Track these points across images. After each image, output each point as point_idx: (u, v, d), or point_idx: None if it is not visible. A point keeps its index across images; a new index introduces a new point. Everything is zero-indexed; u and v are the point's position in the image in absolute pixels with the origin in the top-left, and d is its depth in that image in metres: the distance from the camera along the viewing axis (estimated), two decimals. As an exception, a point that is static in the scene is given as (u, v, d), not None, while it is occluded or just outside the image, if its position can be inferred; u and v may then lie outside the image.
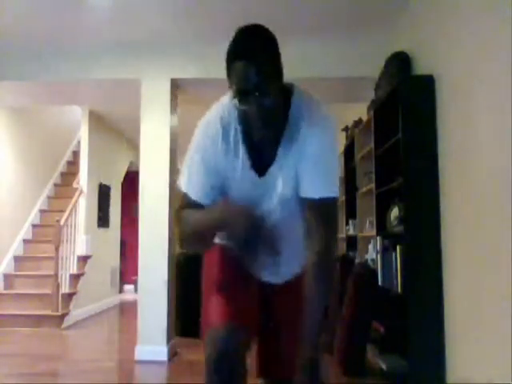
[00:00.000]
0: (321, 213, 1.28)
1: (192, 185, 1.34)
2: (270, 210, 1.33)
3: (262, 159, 1.31)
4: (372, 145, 3.76)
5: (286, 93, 1.29)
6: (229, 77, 1.23)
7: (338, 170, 1.37)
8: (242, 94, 1.19)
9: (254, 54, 1.18)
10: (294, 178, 1.29)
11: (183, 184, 1.37)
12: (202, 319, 1.39)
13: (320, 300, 1.29)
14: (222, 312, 1.30)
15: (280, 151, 1.29)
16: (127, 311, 6.78)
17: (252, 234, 1.19)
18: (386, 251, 3.37)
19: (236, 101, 1.21)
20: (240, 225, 1.18)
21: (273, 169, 1.30)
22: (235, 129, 1.31)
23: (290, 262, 1.39)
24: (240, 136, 1.30)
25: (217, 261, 1.43)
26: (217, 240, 1.42)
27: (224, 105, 1.40)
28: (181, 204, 1.37)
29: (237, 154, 1.31)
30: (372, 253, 3.85)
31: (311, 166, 1.26)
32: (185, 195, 1.35)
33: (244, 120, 1.26)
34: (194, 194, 1.33)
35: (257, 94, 1.16)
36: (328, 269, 1.30)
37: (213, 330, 1.28)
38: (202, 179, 1.33)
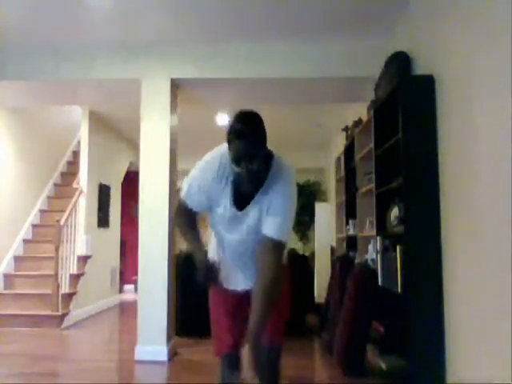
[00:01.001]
0: (269, 248, 1.73)
1: (189, 198, 1.88)
2: (240, 237, 1.82)
3: (242, 200, 1.77)
4: (372, 145, 3.76)
5: (268, 157, 1.77)
6: (229, 148, 1.68)
7: (292, 219, 1.80)
8: (237, 162, 1.64)
9: (247, 137, 1.63)
10: (260, 218, 1.76)
11: (183, 194, 1.89)
12: (213, 334, 2.04)
13: (259, 313, 1.70)
14: (227, 338, 1.95)
15: (256, 197, 1.75)
16: (127, 311, 6.77)
17: (202, 270, 1.77)
18: (386, 251, 3.37)
19: (233, 164, 1.67)
20: (198, 263, 1.80)
21: (249, 208, 1.77)
22: (227, 177, 1.77)
23: (252, 275, 1.82)
24: (230, 184, 1.77)
25: (214, 296, 2.02)
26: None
27: (223, 155, 1.76)
28: (180, 204, 1.93)
29: (225, 194, 1.78)
30: (372, 253, 3.85)
31: (273, 214, 1.73)
32: (184, 202, 1.90)
33: (235, 176, 1.72)
34: (190, 204, 1.89)
35: (247, 162, 1.63)
36: (265, 294, 1.71)
37: (223, 355, 2.01)
38: (196, 198, 1.85)
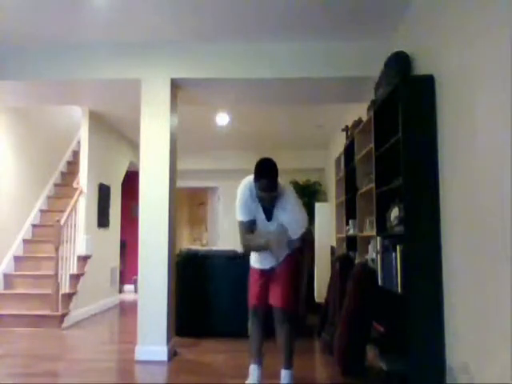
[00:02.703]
0: (302, 238, 2.90)
1: (243, 215, 2.88)
2: (273, 231, 2.86)
3: (268, 213, 2.86)
4: (372, 145, 3.76)
5: (278, 185, 2.78)
6: (256, 182, 2.74)
7: (304, 213, 2.93)
8: (263, 191, 2.72)
9: (269, 177, 2.71)
10: (281, 222, 2.84)
11: (239, 216, 2.89)
12: (249, 295, 3.05)
13: (310, 258, 3.02)
14: (253, 298, 3.01)
15: (274, 211, 2.84)
16: (127, 311, 6.78)
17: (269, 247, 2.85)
18: (386, 251, 3.37)
19: (259, 192, 2.74)
20: (269, 246, 2.83)
21: (273, 218, 2.86)
22: (255, 198, 2.83)
23: (281, 255, 2.90)
24: (258, 203, 2.84)
25: (252, 273, 3.07)
26: (252, 263, 3.07)
27: (251, 182, 2.82)
28: (240, 226, 2.91)
29: (258, 209, 2.86)
30: (372, 253, 3.85)
31: (290, 219, 2.83)
32: (242, 222, 2.89)
33: (260, 198, 2.80)
34: (244, 218, 2.87)
35: (269, 191, 2.72)
36: (311, 249, 3.14)
37: (250, 307, 3.04)
38: (244, 212, 2.87)
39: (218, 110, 6.13)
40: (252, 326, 3.04)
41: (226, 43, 4.00)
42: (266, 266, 2.97)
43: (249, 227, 2.88)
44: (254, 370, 2.97)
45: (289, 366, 2.92)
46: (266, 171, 2.72)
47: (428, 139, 2.88)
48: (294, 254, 2.93)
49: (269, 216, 2.83)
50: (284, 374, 2.90)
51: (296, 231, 2.83)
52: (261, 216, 2.85)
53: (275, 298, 2.87)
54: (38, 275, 5.60)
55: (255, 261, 3.06)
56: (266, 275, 2.98)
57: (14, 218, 5.90)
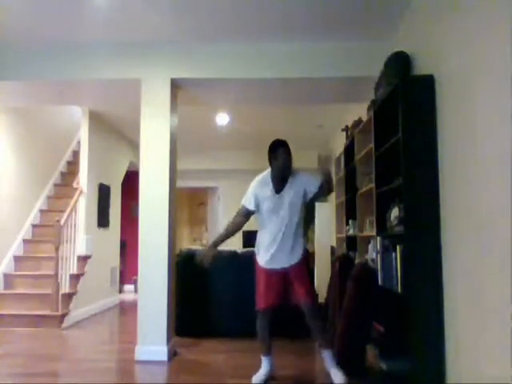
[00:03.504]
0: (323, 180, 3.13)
1: (246, 201, 3.16)
2: (283, 214, 3.08)
3: (278, 188, 3.10)
4: (372, 145, 3.76)
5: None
6: (275, 152, 3.07)
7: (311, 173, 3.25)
8: (283, 154, 3.06)
9: (284, 144, 3.09)
10: (294, 197, 3.08)
11: (244, 201, 3.16)
12: (256, 296, 3.17)
13: (332, 183, 3.20)
14: (263, 301, 3.13)
15: (286, 186, 3.10)
16: (127, 311, 6.78)
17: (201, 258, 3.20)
18: (386, 251, 3.37)
19: (280, 158, 3.06)
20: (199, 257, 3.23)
21: (284, 190, 3.09)
22: (267, 182, 3.12)
23: (292, 250, 3.12)
24: (270, 182, 3.11)
25: (259, 271, 3.21)
26: (259, 261, 3.21)
27: (264, 176, 3.16)
28: (240, 209, 3.20)
29: (268, 189, 3.10)
30: (372, 253, 3.85)
31: (305, 178, 3.14)
32: (243, 206, 3.17)
33: (273, 178, 3.11)
34: (245, 203, 3.16)
35: (286, 155, 3.06)
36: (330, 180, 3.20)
37: (259, 311, 3.16)
38: (250, 200, 3.13)
39: (217, 109, 6.13)
40: (260, 326, 3.18)
41: (226, 43, 4.00)
42: (276, 266, 3.10)
43: (244, 213, 3.17)
44: (266, 360, 3.18)
45: (328, 347, 3.16)
46: (281, 141, 3.10)
47: (428, 139, 2.88)
48: (304, 259, 3.17)
49: (278, 190, 3.08)
50: (327, 354, 3.13)
51: (313, 183, 3.10)
52: (268, 194, 3.07)
53: (303, 298, 3.07)
54: (38, 275, 5.60)
55: (263, 260, 3.16)
56: (276, 276, 3.10)
57: (14, 218, 5.90)
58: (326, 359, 3.12)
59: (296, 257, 3.12)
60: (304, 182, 3.11)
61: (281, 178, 3.08)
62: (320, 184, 3.10)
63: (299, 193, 3.08)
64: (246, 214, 3.18)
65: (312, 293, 3.17)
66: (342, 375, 3.01)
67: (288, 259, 3.10)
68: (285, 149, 3.05)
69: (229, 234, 3.22)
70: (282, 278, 3.10)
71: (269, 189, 3.09)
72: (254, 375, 3.11)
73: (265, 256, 3.15)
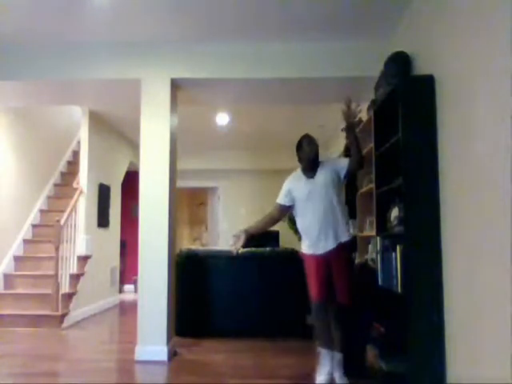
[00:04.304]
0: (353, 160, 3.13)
1: (279, 198, 3.23)
2: (320, 197, 3.07)
3: (310, 174, 3.15)
4: (372, 145, 3.76)
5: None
6: (300, 146, 3.16)
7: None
8: (307, 146, 3.12)
9: (309, 136, 3.16)
10: (327, 179, 3.09)
11: (278, 199, 3.23)
12: (309, 289, 3.12)
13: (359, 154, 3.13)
14: (316, 291, 3.07)
15: (318, 171, 3.14)
16: (127, 311, 6.78)
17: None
18: (386, 251, 3.36)
19: (305, 149, 3.13)
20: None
21: (317, 175, 3.13)
22: (300, 175, 3.19)
23: (336, 233, 3.06)
24: (301, 173, 3.20)
25: (307, 261, 3.18)
26: (304, 249, 3.21)
27: (297, 170, 3.22)
28: (274, 206, 3.26)
29: (300, 178, 3.18)
30: (372, 253, 3.85)
31: (335, 162, 3.31)
32: (277, 203, 3.24)
33: (304, 170, 3.18)
34: (279, 200, 3.23)
35: (312, 147, 3.12)
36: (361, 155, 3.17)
37: (314, 303, 3.09)
38: (282, 196, 3.21)
39: (217, 109, 6.13)
40: (317, 319, 3.09)
41: (225, 43, 4.00)
42: (320, 251, 3.07)
43: (277, 208, 3.24)
44: (327, 355, 3.08)
45: (339, 350, 3.09)
46: (304, 135, 3.19)
47: (428, 139, 2.88)
48: (346, 248, 3.13)
49: (311, 175, 3.12)
50: (336, 357, 3.07)
51: (342, 160, 3.23)
52: (303, 191, 3.10)
53: (340, 295, 3.03)
54: (38, 275, 5.60)
55: (307, 245, 3.15)
56: (323, 263, 3.05)
57: (14, 218, 5.90)
58: (334, 360, 3.08)
59: (341, 238, 3.07)
60: (333, 163, 3.19)
61: (310, 168, 3.12)
62: (349, 160, 3.13)
63: (332, 174, 3.10)
64: (280, 209, 3.23)
65: (350, 292, 3.07)
66: (344, 378, 3.01)
67: (332, 241, 3.04)
68: (307, 140, 3.12)
69: (261, 223, 3.26)
70: (327, 266, 3.05)
71: (301, 179, 3.15)
72: (318, 375, 3.07)
73: (308, 240, 3.13)
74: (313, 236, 3.09)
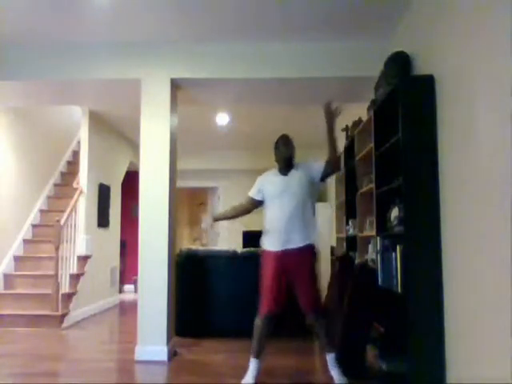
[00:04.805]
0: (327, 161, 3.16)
1: (251, 191, 3.28)
2: (292, 196, 3.05)
3: (284, 172, 3.19)
4: (372, 145, 3.76)
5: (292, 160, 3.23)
6: (276, 144, 3.23)
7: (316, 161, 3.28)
8: (283, 146, 3.19)
9: (284, 136, 3.24)
10: (301, 179, 3.11)
11: (250, 192, 3.28)
12: (263, 296, 3.05)
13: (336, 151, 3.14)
14: (268, 301, 3.03)
15: (292, 171, 3.17)
16: (127, 311, 6.78)
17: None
18: (386, 251, 3.37)
19: (280, 148, 3.20)
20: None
21: (291, 173, 3.16)
22: (275, 172, 3.23)
23: (299, 232, 3.02)
24: (278, 172, 3.22)
25: (266, 258, 3.11)
26: (264, 244, 3.16)
27: (270, 171, 3.28)
28: (246, 198, 3.30)
29: (274, 175, 3.22)
30: (372, 253, 3.85)
31: (308, 165, 3.21)
32: (248, 196, 3.28)
33: (281, 165, 3.21)
34: (251, 193, 3.27)
35: (287, 146, 3.18)
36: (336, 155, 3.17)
37: (263, 314, 3.05)
38: (254, 190, 3.26)
39: (217, 109, 6.13)
40: (261, 327, 3.05)
41: (225, 43, 4.00)
42: (281, 247, 3.02)
43: (249, 202, 3.28)
44: (255, 364, 3.07)
45: (331, 351, 3.12)
46: (281, 135, 3.26)
47: (428, 139, 2.88)
48: (311, 252, 3.08)
49: (284, 173, 3.16)
50: (330, 357, 3.11)
51: (318, 163, 3.18)
52: (275, 187, 3.13)
53: (307, 303, 3.04)
54: (38, 275, 5.60)
55: (269, 240, 3.12)
56: (282, 265, 3.01)
57: (14, 218, 5.90)
58: (329, 361, 3.11)
59: (305, 241, 3.03)
60: (308, 168, 3.17)
61: (285, 167, 3.16)
62: (324, 163, 3.13)
63: (307, 177, 3.11)
64: (251, 202, 3.26)
65: (316, 298, 3.08)
66: (342, 376, 3.01)
67: (296, 241, 3.01)
68: (283, 140, 3.18)
69: (230, 212, 3.38)
70: (285, 271, 3.00)
71: (276, 176, 3.19)
72: (243, 380, 3.03)
73: (271, 236, 3.09)
74: (277, 231, 3.04)
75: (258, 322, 3.06)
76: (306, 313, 3.08)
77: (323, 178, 3.16)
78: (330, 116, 3.07)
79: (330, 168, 3.14)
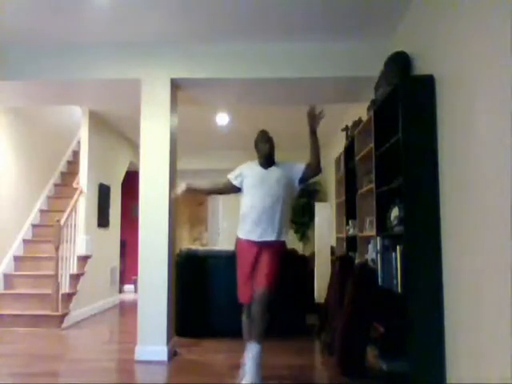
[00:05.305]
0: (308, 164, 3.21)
1: (231, 175, 3.32)
2: (270, 189, 3.12)
3: (265, 166, 3.26)
4: (372, 145, 3.76)
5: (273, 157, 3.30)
6: (257, 140, 3.29)
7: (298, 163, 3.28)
8: (263, 143, 3.24)
9: (263, 131, 3.33)
10: (281, 177, 3.17)
11: (230, 176, 3.31)
12: (238, 290, 3.16)
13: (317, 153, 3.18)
14: (242, 291, 3.13)
15: (273, 166, 3.24)
16: (127, 311, 6.78)
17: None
18: (386, 251, 3.36)
19: (260, 143, 3.26)
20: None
21: (271, 168, 3.23)
22: (256, 164, 3.29)
23: (274, 225, 3.09)
24: (259, 165, 3.28)
25: (239, 246, 3.21)
26: (239, 234, 3.22)
27: (252, 161, 3.32)
28: (225, 181, 3.34)
29: (254, 166, 3.28)
30: (372, 253, 3.85)
31: (293, 165, 3.25)
32: (228, 179, 3.31)
33: (262, 161, 3.28)
34: (230, 177, 3.31)
35: (267, 143, 3.24)
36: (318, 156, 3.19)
37: (245, 303, 3.17)
38: (234, 175, 3.30)
39: (217, 109, 6.13)
40: (246, 317, 3.20)
41: (225, 43, 4.00)
42: (255, 237, 3.09)
43: (225, 184, 3.34)
44: (253, 348, 3.01)
45: (259, 341, 3.00)
46: (259, 131, 3.32)
47: (428, 139, 2.88)
48: (282, 247, 3.17)
49: (265, 167, 3.22)
50: (253, 348, 2.99)
51: (299, 165, 3.19)
52: (255, 170, 3.21)
53: (261, 278, 3.01)
54: (38, 275, 5.60)
55: (244, 229, 3.16)
56: (254, 254, 3.07)
57: (14, 218, 5.90)
58: (250, 351, 2.99)
59: (277, 235, 3.10)
60: (289, 169, 3.21)
61: (265, 163, 3.23)
62: (305, 165, 3.17)
63: (285, 176, 3.17)
64: (228, 185, 3.32)
65: (272, 278, 3.03)
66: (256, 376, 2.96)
67: (269, 234, 3.08)
68: (262, 137, 3.24)
69: (206, 186, 3.52)
70: (255, 259, 3.07)
71: (257, 167, 3.25)
72: (243, 379, 2.96)
73: (246, 225, 3.15)
74: (253, 220, 3.10)
75: (244, 317, 3.20)
76: (256, 288, 3.01)
77: (302, 180, 3.21)
78: (313, 119, 3.12)
79: (311, 171, 3.18)
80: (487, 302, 2.26)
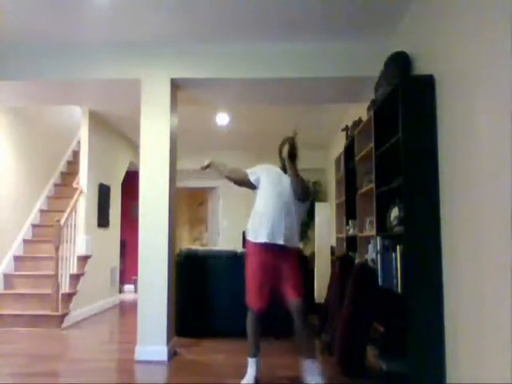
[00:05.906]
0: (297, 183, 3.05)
1: (250, 172, 3.21)
2: (286, 192, 3.06)
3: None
4: (372, 145, 3.76)
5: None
6: (281, 149, 3.08)
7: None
8: (289, 151, 3.00)
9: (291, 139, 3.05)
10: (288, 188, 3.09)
11: (249, 171, 3.22)
12: (247, 292, 3.11)
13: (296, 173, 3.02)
14: (256, 299, 3.05)
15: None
16: (127, 311, 6.78)
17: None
18: (386, 251, 3.37)
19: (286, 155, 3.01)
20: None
21: (286, 176, 3.12)
22: (276, 167, 3.24)
23: (287, 229, 3.01)
24: (279, 168, 3.21)
25: (251, 250, 3.11)
26: (251, 238, 3.09)
27: (274, 166, 3.25)
28: (246, 174, 3.22)
29: (274, 169, 3.22)
30: (372, 253, 3.85)
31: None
32: (246, 174, 3.21)
33: (280, 167, 3.20)
34: (250, 172, 3.21)
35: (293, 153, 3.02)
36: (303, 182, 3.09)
37: (253, 312, 3.10)
38: (253, 174, 3.19)
39: (217, 109, 6.13)
40: (255, 324, 3.10)
41: (225, 43, 4.00)
42: (269, 239, 2.98)
43: (242, 175, 3.21)
44: (253, 363, 3.10)
45: (312, 356, 3.05)
46: (290, 139, 3.02)
47: (428, 139, 2.88)
48: (297, 253, 3.16)
49: (285, 172, 3.11)
50: (310, 364, 3.03)
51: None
52: (274, 177, 3.13)
53: (294, 289, 2.98)
54: (38, 275, 5.60)
55: (259, 230, 3.04)
56: (270, 260, 3.01)
57: (14, 218, 5.90)
58: (308, 367, 3.02)
59: (292, 241, 3.06)
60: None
61: (283, 167, 3.16)
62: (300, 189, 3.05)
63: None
64: (245, 180, 3.19)
65: (300, 288, 3.03)
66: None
67: (284, 238, 2.99)
68: (291, 145, 2.99)
69: (225, 170, 3.26)
70: (273, 267, 2.99)
71: (277, 168, 3.20)
72: (242, 379, 3.05)
73: (260, 224, 3.03)
74: (267, 218, 3.00)
75: (252, 318, 3.09)
76: (290, 300, 2.97)
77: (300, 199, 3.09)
78: (293, 146, 2.99)
79: (300, 197, 3.07)
80: (487, 302, 2.26)
